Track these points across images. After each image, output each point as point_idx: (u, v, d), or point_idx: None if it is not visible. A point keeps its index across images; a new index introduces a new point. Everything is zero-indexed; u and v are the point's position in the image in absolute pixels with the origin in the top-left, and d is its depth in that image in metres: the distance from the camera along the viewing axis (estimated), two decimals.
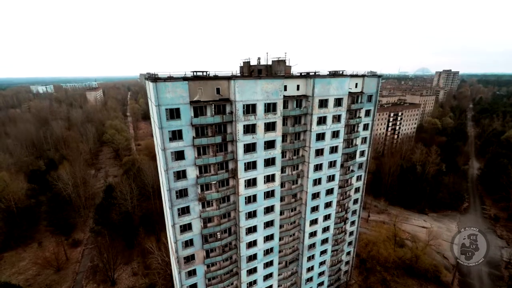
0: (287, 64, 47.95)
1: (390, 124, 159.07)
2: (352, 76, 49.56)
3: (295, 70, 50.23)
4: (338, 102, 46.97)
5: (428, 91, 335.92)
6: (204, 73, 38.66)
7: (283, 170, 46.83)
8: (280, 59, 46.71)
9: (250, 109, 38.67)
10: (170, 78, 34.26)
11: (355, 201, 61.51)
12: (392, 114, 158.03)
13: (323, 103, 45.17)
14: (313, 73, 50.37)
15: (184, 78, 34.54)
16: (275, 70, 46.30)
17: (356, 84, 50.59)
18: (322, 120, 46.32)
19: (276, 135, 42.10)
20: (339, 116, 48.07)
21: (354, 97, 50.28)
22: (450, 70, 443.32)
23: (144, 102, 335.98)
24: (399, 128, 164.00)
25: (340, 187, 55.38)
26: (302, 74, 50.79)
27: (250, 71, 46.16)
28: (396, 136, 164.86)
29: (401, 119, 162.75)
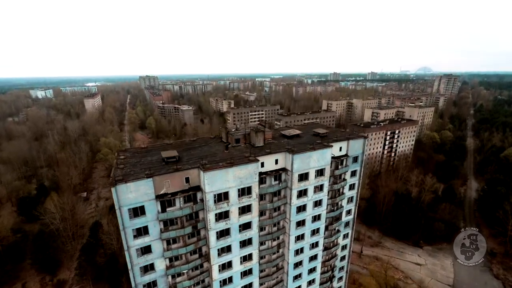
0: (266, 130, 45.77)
1: (387, 142, 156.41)
2: (336, 140, 47.33)
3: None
4: (320, 173, 44.64)
5: (428, 98, 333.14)
6: (175, 160, 36.48)
7: (262, 243, 44.74)
8: (258, 128, 44.48)
9: (222, 197, 36.48)
10: (132, 177, 32.07)
11: (342, 258, 59.38)
12: (389, 133, 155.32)
13: (303, 177, 42.91)
14: (294, 135, 48.21)
15: (148, 175, 32.31)
16: (253, 141, 43.98)
17: (340, 147, 48.25)
18: (302, 193, 44.09)
19: (252, 217, 39.94)
20: (322, 185, 45.78)
21: (338, 161, 47.95)
22: (451, 74, 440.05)
23: (141, 111, 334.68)
24: (396, 146, 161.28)
25: (325, 249, 53.27)
26: (285, 134, 48.76)
27: (227, 145, 43.75)
28: (393, 154, 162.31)
29: (398, 137, 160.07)
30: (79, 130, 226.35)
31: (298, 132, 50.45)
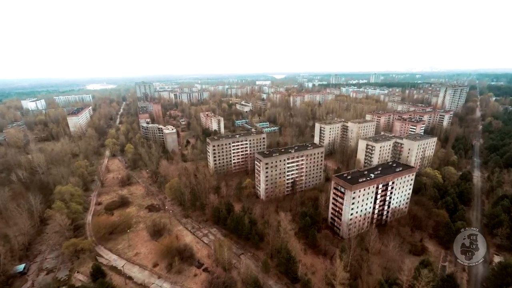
0: None
1: (379, 196, 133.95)
2: None
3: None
4: None
5: (431, 116, 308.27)
6: None
7: None
8: None
9: None
10: None
11: None
12: (381, 186, 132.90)
13: None
14: None
15: None
16: None
17: None
18: None
19: None
20: None
21: None
22: (457, 85, 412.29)
23: (124, 131, 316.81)
24: (390, 199, 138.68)
25: None
26: None
27: None
28: (386, 207, 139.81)
29: (392, 188, 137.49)
30: (46, 163, 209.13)
31: None
